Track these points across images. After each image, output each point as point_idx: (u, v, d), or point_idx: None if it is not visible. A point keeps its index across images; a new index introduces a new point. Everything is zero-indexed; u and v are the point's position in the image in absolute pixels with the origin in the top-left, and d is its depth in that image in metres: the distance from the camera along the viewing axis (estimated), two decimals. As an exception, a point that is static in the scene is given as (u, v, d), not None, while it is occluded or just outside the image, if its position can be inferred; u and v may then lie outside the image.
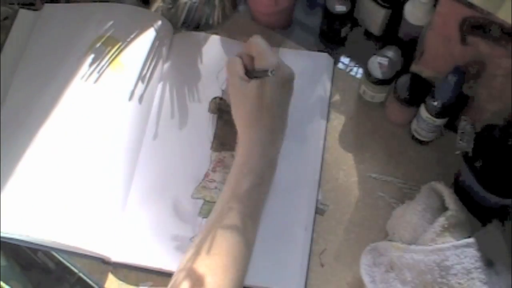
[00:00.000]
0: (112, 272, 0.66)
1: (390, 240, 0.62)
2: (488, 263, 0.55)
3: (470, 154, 0.57)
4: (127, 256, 0.64)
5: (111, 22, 0.73)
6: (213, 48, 0.75)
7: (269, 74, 0.60)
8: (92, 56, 0.71)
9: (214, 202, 0.64)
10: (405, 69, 0.67)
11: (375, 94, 0.69)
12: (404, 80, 0.66)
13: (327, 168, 0.70)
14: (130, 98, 0.70)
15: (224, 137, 0.71)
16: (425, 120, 0.64)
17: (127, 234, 0.65)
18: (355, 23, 0.76)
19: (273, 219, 0.65)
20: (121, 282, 0.66)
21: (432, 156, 0.69)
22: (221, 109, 0.72)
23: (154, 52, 0.73)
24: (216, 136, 0.71)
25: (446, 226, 0.56)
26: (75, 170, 0.66)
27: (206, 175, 0.69)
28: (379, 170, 0.69)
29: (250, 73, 0.63)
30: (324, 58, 0.74)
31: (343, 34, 0.75)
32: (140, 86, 0.71)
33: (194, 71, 0.74)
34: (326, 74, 0.74)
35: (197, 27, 0.77)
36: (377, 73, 0.66)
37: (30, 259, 1.01)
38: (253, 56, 0.64)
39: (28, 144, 0.66)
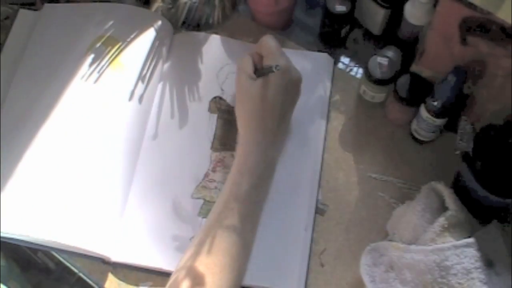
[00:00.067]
0: (112, 272, 0.66)
1: (390, 240, 0.62)
2: (488, 263, 0.55)
3: (470, 154, 0.57)
4: (127, 256, 0.64)
5: (111, 22, 0.73)
6: (213, 48, 0.75)
7: (274, 69, 0.59)
8: (92, 56, 0.71)
9: (214, 202, 0.64)
10: (405, 69, 0.67)
11: (375, 94, 0.69)
12: (404, 80, 0.66)
13: (327, 168, 0.70)
14: (130, 98, 0.70)
15: (224, 137, 0.71)
16: (425, 120, 0.64)
17: (127, 234, 0.65)
18: (355, 23, 0.76)
19: (273, 219, 0.65)
20: (121, 282, 0.66)
21: (432, 156, 0.69)
22: (221, 109, 0.72)
23: (154, 52, 0.73)
24: (216, 136, 0.71)
25: (446, 226, 0.56)
26: (75, 170, 0.66)
27: (206, 175, 0.69)
28: (379, 170, 0.69)
29: (258, 72, 0.63)
30: (324, 58, 0.74)
31: (343, 34, 0.75)
32: (140, 86, 0.71)
33: (194, 71, 0.74)
34: (326, 74, 0.74)
35: (197, 27, 0.77)
36: (377, 73, 0.66)
37: (30, 259, 1.01)
38: (263, 55, 0.64)
39: (28, 144, 0.66)
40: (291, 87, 0.62)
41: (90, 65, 0.70)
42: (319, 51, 0.75)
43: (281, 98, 0.61)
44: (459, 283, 0.54)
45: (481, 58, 0.58)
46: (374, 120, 0.72)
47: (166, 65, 0.74)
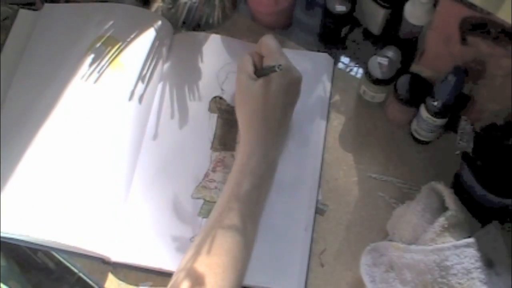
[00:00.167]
0: (112, 272, 0.66)
1: (390, 240, 0.62)
2: (488, 263, 0.55)
3: (470, 154, 0.57)
4: (127, 256, 0.64)
5: (111, 22, 0.73)
6: (213, 47, 0.75)
7: (276, 69, 0.59)
8: (92, 56, 0.71)
9: (214, 202, 0.64)
10: (405, 69, 0.67)
11: (375, 94, 0.69)
12: (404, 80, 0.66)
13: (327, 168, 0.70)
14: (130, 98, 0.70)
15: (224, 136, 0.71)
16: (425, 120, 0.64)
17: (127, 234, 0.65)
18: (355, 23, 0.76)
19: (273, 219, 0.65)
20: (121, 282, 0.66)
21: (432, 156, 0.69)
22: (221, 109, 0.72)
23: (154, 52, 0.73)
24: (216, 136, 0.71)
25: (446, 226, 0.56)
26: (75, 171, 0.65)
27: (206, 175, 0.69)
28: (379, 170, 0.69)
29: (258, 71, 0.63)
30: (324, 58, 0.74)
31: (343, 34, 0.75)
32: (140, 86, 0.71)
33: (194, 70, 0.74)
34: (326, 74, 0.74)
35: (197, 27, 0.77)
36: (377, 73, 0.66)
37: (30, 259, 1.01)
38: (263, 55, 0.64)
39: (28, 144, 0.66)
40: (292, 87, 0.62)
41: (90, 65, 0.70)
42: (319, 51, 0.75)
43: (283, 98, 0.61)
44: (459, 283, 0.54)
45: (481, 58, 0.58)
46: (374, 120, 0.72)
47: (166, 65, 0.74)
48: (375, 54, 0.67)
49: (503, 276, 0.55)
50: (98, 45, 0.71)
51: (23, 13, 0.77)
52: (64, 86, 0.69)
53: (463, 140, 0.58)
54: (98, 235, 0.64)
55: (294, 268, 0.64)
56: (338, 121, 0.72)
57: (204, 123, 0.71)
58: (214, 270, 0.53)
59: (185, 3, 0.74)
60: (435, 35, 0.60)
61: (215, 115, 0.72)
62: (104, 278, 0.66)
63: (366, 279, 0.60)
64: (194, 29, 0.77)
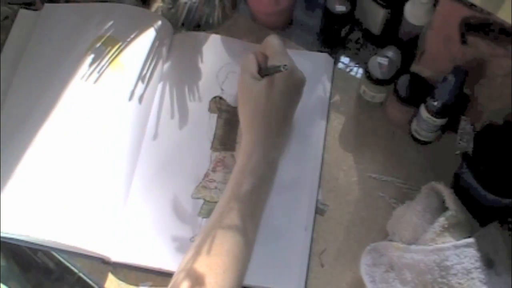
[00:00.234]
0: (112, 272, 0.66)
1: (390, 240, 0.62)
2: (488, 263, 0.55)
3: (470, 154, 0.57)
4: (127, 256, 0.64)
5: (111, 22, 0.73)
6: (213, 47, 0.75)
7: (282, 69, 0.59)
8: (92, 56, 0.71)
9: (214, 202, 0.64)
10: (405, 69, 0.67)
11: (375, 94, 0.69)
12: (404, 80, 0.66)
13: (327, 168, 0.70)
14: (130, 98, 0.70)
15: (224, 137, 0.71)
16: (425, 120, 0.64)
17: (127, 234, 0.65)
18: (355, 23, 0.76)
19: (273, 219, 0.65)
20: (121, 282, 0.66)
21: (432, 156, 0.69)
22: (221, 109, 0.72)
23: (154, 52, 0.73)
24: (216, 136, 0.71)
25: (446, 226, 0.56)
26: (75, 171, 0.66)
27: (206, 175, 0.69)
28: (379, 170, 0.69)
29: (262, 71, 0.63)
30: (324, 58, 0.74)
31: (343, 34, 0.75)
32: (140, 86, 0.71)
33: (194, 70, 0.74)
34: (326, 74, 0.74)
35: (197, 27, 0.77)
36: (377, 73, 0.66)
37: (30, 259, 1.01)
38: (268, 55, 0.63)
39: (28, 144, 0.66)
40: (295, 88, 0.62)
41: (90, 65, 0.70)
42: (319, 51, 0.75)
43: (285, 99, 0.61)
44: (459, 283, 0.54)
45: (481, 58, 0.58)
46: (374, 120, 0.72)
47: (166, 65, 0.74)
48: (375, 54, 0.67)
49: (503, 276, 0.55)
50: (98, 45, 0.71)
51: (23, 13, 0.77)
52: (64, 86, 0.69)
53: (463, 140, 0.58)
54: (98, 235, 0.64)
55: (294, 268, 0.64)
56: (338, 121, 0.72)
57: (204, 123, 0.71)
58: (214, 270, 0.53)
59: (185, 3, 0.74)
60: (435, 35, 0.60)
61: (215, 115, 0.72)
62: (104, 278, 0.66)
63: (366, 279, 0.60)
64: (194, 29, 0.77)
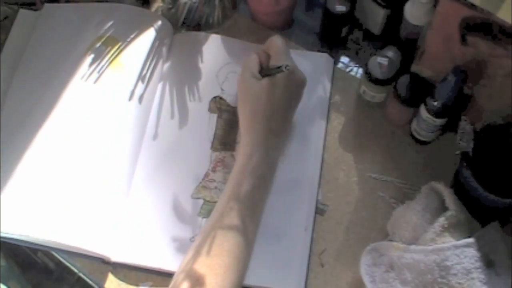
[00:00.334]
0: (112, 272, 0.66)
1: (390, 240, 0.62)
2: (488, 263, 0.55)
3: (470, 154, 0.57)
4: (127, 256, 0.64)
5: (111, 22, 0.73)
6: (213, 47, 0.75)
7: (284, 69, 0.59)
8: (92, 56, 0.71)
9: (214, 202, 0.64)
10: (405, 69, 0.67)
11: (375, 94, 0.69)
12: (404, 80, 0.66)
13: (327, 168, 0.70)
14: (130, 98, 0.70)
15: (224, 137, 0.71)
16: (425, 120, 0.64)
17: (127, 234, 0.65)
18: (355, 23, 0.76)
19: (273, 219, 0.65)
20: (121, 282, 0.66)
21: (432, 156, 0.69)
22: (221, 109, 0.72)
23: (154, 52, 0.73)
24: (216, 136, 0.71)
25: (446, 226, 0.56)
26: (75, 171, 0.66)
27: (206, 175, 0.69)
28: (379, 170, 0.69)
29: (264, 70, 0.63)
30: (324, 58, 0.74)
31: (343, 34, 0.75)
32: (140, 86, 0.71)
33: (194, 70, 0.74)
34: (326, 74, 0.74)
35: (197, 27, 0.77)
36: (377, 73, 0.66)
37: (30, 259, 1.01)
38: (270, 55, 0.63)
39: (28, 144, 0.66)
40: (296, 88, 0.62)
41: (90, 65, 0.70)
42: (319, 51, 0.75)
43: (286, 99, 0.61)
44: (459, 283, 0.54)
45: (481, 58, 0.58)
46: (374, 120, 0.72)
47: (166, 65, 0.74)
48: (375, 54, 0.67)
49: (503, 276, 0.55)
50: (98, 45, 0.71)
51: (23, 13, 0.77)
52: (64, 86, 0.69)
53: (463, 140, 0.58)
54: (98, 235, 0.64)
55: (294, 268, 0.64)
56: (338, 121, 0.72)
57: (204, 123, 0.71)
58: (214, 270, 0.53)
59: (185, 3, 0.74)
60: (435, 35, 0.60)
61: (215, 115, 0.72)
62: (104, 278, 0.66)
63: (366, 279, 0.60)
64: (194, 29, 0.77)
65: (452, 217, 0.56)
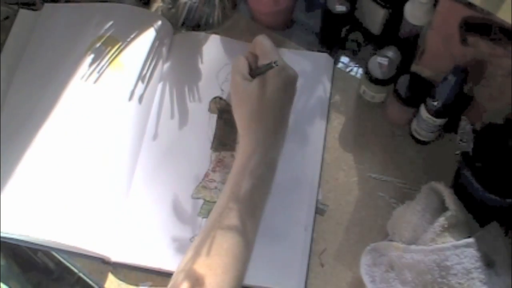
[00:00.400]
0: (112, 272, 0.66)
1: (390, 240, 0.62)
2: (488, 263, 0.55)
3: (470, 154, 0.57)
4: (127, 256, 0.64)
5: (111, 22, 0.73)
6: (213, 48, 0.75)
7: (273, 65, 0.59)
8: (92, 56, 0.71)
9: (214, 202, 0.64)
10: (405, 69, 0.67)
11: (375, 94, 0.69)
12: (404, 80, 0.66)
13: (327, 168, 0.70)
14: (130, 98, 0.70)
15: (224, 137, 0.71)
16: (425, 120, 0.64)
17: (127, 234, 0.65)
18: (355, 23, 0.76)
19: (273, 219, 0.65)
20: (121, 282, 0.66)
21: (432, 156, 0.69)
22: (221, 109, 0.72)
23: (154, 52, 0.73)
24: (216, 136, 0.71)
25: (446, 226, 0.56)
26: (75, 171, 0.66)
27: (206, 175, 0.69)
28: (379, 170, 0.69)
29: (254, 71, 0.63)
30: (324, 58, 0.74)
31: (343, 34, 0.75)
32: (140, 86, 0.71)
33: (194, 71, 0.74)
34: (326, 74, 0.74)
35: (197, 27, 0.77)
36: (377, 73, 0.66)
37: (30, 259, 1.01)
38: (258, 55, 0.63)
39: (28, 144, 0.66)
40: (288, 85, 0.62)
41: (90, 65, 0.70)
42: (319, 51, 0.75)
43: (279, 96, 0.61)
44: (459, 283, 0.54)
45: (481, 58, 0.58)
46: (374, 120, 0.72)
47: (166, 65, 0.74)
48: (375, 54, 0.67)
49: (503, 276, 0.55)
50: (98, 45, 0.71)
51: (23, 13, 0.77)
52: (64, 86, 0.69)
53: (463, 140, 0.58)
54: (98, 235, 0.64)
55: (294, 268, 0.64)
56: (338, 121, 0.72)
57: (204, 123, 0.71)
58: (214, 270, 0.53)
59: (185, 3, 0.74)
60: (435, 35, 0.60)
61: (215, 116, 0.72)
62: (104, 278, 0.66)
63: (366, 279, 0.60)
64: (194, 29, 0.77)
65: (452, 217, 0.56)
